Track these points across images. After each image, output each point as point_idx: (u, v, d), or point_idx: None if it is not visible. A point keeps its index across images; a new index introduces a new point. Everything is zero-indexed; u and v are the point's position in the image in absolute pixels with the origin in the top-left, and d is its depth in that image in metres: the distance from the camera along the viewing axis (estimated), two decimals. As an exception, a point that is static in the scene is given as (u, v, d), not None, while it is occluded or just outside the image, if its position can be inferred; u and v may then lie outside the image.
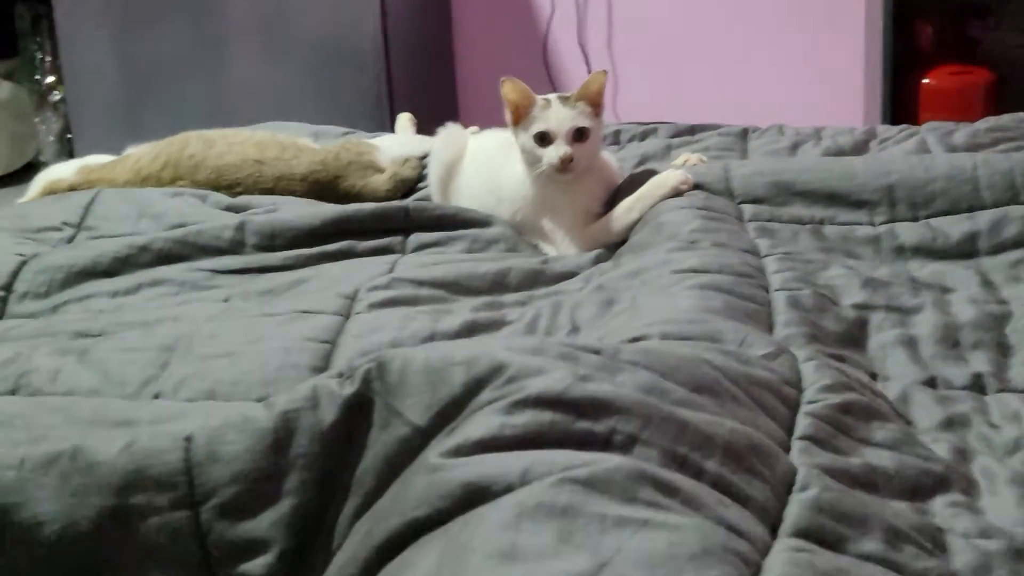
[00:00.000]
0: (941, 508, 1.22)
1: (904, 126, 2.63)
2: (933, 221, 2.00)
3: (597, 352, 1.19)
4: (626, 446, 1.03)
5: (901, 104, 3.56)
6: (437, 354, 1.17)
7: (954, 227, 1.97)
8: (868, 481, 1.21)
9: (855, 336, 1.65)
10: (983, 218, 1.97)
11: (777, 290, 1.72)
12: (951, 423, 1.45)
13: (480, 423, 1.05)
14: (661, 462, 1.01)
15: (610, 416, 1.05)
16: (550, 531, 0.87)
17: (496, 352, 1.13)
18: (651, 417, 1.06)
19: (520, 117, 2.09)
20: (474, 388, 1.11)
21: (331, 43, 3.67)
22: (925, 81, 3.58)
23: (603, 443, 1.03)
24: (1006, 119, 2.58)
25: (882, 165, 2.11)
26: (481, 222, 2.16)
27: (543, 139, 2.06)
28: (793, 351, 1.50)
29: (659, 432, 1.05)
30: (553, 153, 2.04)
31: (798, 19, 3.96)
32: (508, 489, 0.94)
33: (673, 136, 2.65)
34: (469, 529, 0.91)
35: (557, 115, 2.05)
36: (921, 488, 1.25)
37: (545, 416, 1.04)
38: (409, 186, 2.43)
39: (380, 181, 2.41)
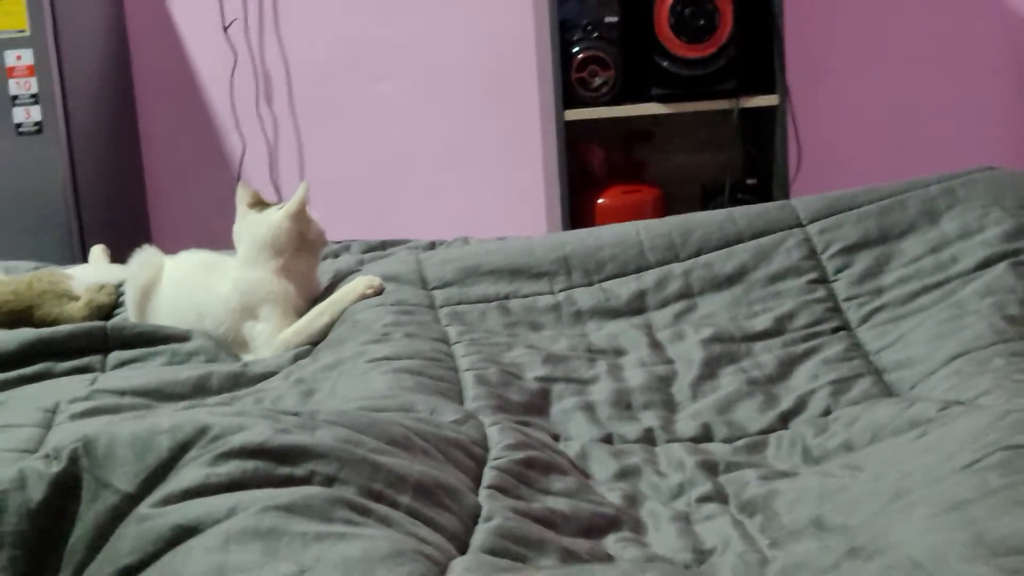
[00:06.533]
0: (612, 543, 1.35)
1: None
2: (606, 284, 2.19)
3: (296, 415, 1.27)
4: (325, 485, 1.12)
5: (579, 222, 3.79)
6: (143, 425, 1.22)
7: (624, 287, 2.18)
8: (548, 521, 1.34)
9: (539, 405, 1.80)
10: (649, 277, 2.20)
11: (466, 370, 1.85)
12: (624, 473, 1.60)
13: (186, 475, 1.11)
14: (358, 496, 1.10)
15: (308, 460, 1.13)
16: (256, 549, 0.94)
17: (200, 416, 1.20)
18: (347, 460, 1.15)
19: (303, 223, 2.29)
20: (180, 451, 1.17)
21: (15, 187, 3.62)
22: (600, 201, 3.82)
23: (303, 484, 1.11)
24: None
25: (556, 239, 2.32)
26: (180, 337, 2.21)
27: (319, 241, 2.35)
28: (480, 419, 1.62)
29: (355, 472, 1.14)
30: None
31: (483, 147, 4.19)
32: (216, 524, 1.01)
33: (365, 252, 2.77)
34: (179, 558, 0.97)
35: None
36: (595, 528, 1.38)
37: (248, 464, 1.12)
38: (106, 312, 2.45)
39: (76, 308, 2.42)
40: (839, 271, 2.16)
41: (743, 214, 2.28)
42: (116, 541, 1.10)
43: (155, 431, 1.20)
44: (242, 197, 2.35)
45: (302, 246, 2.27)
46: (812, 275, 2.15)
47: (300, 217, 2.26)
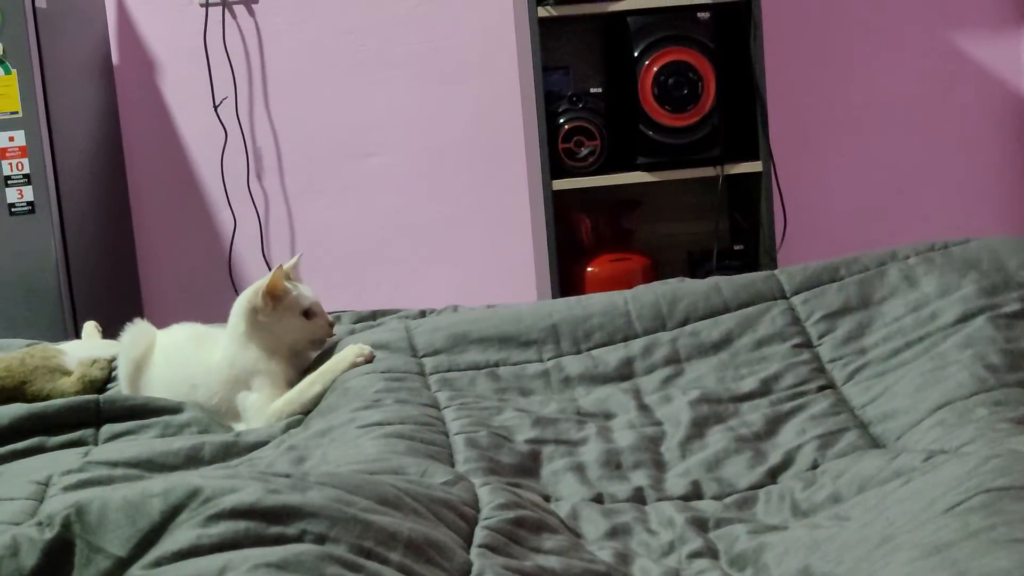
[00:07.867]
0: (603, 600, 1.36)
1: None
2: (594, 352, 2.21)
3: (287, 476, 1.28)
4: (316, 543, 1.13)
5: (569, 291, 3.80)
6: (135, 490, 1.23)
7: (612, 355, 2.20)
8: (539, 577, 1.35)
9: (529, 466, 1.81)
10: (637, 345, 2.22)
11: (456, 434, 1.86)
12: (615, 532, 1.61)
13: (178, 537, 1.12)
14: (349, 553, 1.11)
15: (299, 520, 1.15)
16: (247, 605, 0.95)
17: (192, 479, 1.21)
18: (337, 519, 1.16)
19: (278, 300, 2.25)
20: (172, 514, 1.19)
21: (8, 266, 3.64)
22: (589, 269, 3.84)
23: (294, 542, 1.12)
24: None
25: (545, 308, 2.34)
26: (173, 409, 2.22)
27: (308, 314, 2.28)
28: (471, 480, 1.63)
29: (345, 530, 1.15)
30: (323, 324, 2.32)
31: (472, 218, 4.23)
32: (208, 583, 1.02)
33: (356, 322, 2.79)
34: (171, 617, 0.98)
35: (308, 293, 2.30)
36: (586, 584, 1.39)
37: (240, 525, 1.13)
38: (98, 386, 2.45)
39: (68, 383, 2.43)
40: (823, 336, 2.19)
41: (728, 284, 2.31)
42: (109, 605, 1.11)
43: (147, 495, 1.22)
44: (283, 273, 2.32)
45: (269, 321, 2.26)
46: (796, 340, 2.18)
47: (255, 296, 2.25)
